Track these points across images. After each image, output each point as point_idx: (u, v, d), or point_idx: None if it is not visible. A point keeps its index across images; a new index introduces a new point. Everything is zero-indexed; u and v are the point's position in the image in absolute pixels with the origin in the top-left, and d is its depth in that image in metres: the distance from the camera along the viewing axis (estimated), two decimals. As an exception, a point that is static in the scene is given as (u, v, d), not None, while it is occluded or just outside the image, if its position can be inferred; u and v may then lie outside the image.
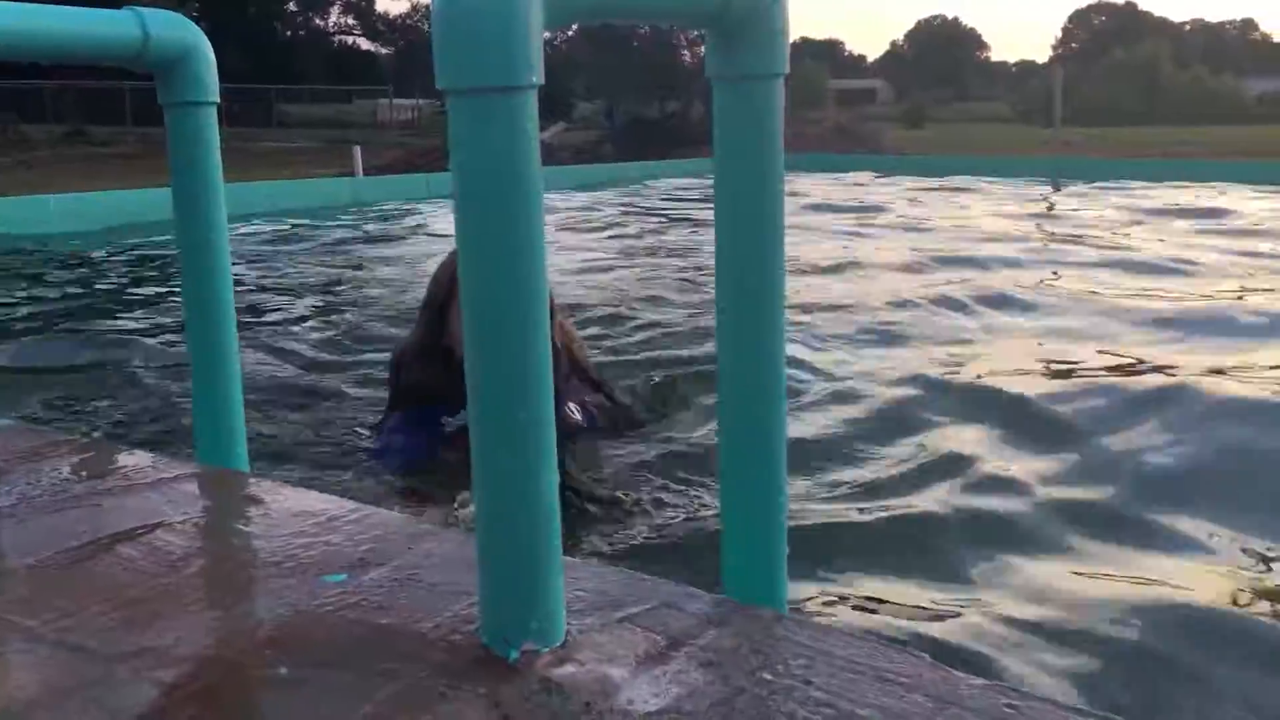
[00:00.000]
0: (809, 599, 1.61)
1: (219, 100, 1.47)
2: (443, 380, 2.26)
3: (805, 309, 4.24)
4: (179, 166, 1.44)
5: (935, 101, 53.12)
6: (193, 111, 1.44)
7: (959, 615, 1.60)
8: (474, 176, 0.80)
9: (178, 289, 5.26)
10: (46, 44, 1.31)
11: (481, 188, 0.80)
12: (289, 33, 41.26)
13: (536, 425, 0.84)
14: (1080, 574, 1.79)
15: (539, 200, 0.81)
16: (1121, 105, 40.90)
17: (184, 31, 1.42)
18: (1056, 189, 12.04)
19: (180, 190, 1.45)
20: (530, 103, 0.80)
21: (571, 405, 2.42)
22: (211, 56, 1.45)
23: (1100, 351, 3.52)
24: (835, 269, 5.58)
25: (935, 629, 1.54)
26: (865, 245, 6.82)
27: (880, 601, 1.64)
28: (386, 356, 3.67)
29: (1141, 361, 3.37)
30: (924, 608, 1.62)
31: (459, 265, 0.82)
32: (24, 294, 5.30)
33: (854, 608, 1.60)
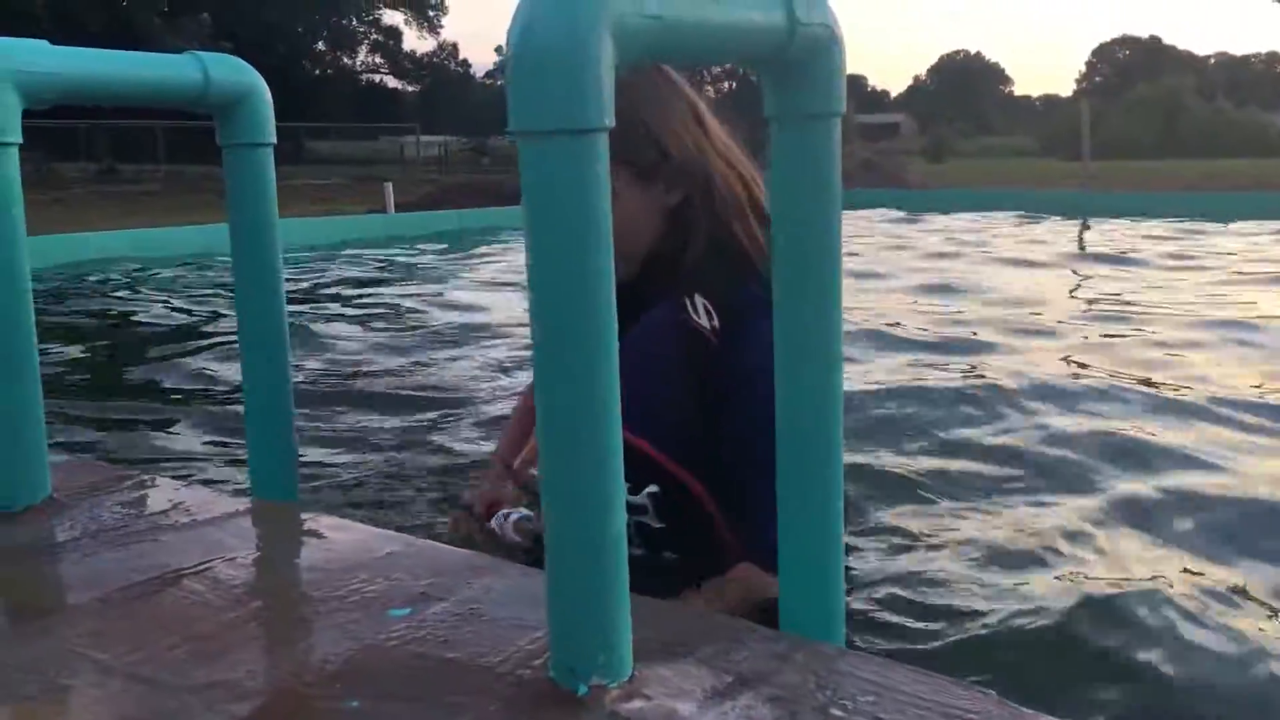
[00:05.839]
0: (866, 634, 1.60)
1: (275, 141, 1.50)
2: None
3: (848, 343, 4.23)
4: (236, 205, 1.47)
5: (958, 135, 53.22)
6: (250, 152, 1.47)
7: (1023, 652, 1.59)
8: (545, 218, 0.81)
9: (222, 325, 5.36)
10: (114, 88, 1.35)
11: (553, 228, 0.81)
12: (318, 71, 41.83)
13: (605, 460, 0.85)
14: (1159, 615, 1.76)
15: (609, 240, 0.83)
16: (1145, 139, 40.83)
17: (242, 75, 1.45)
18: (1086, 224, 11.99)
19: (237, 228, 1.48)
20: (602, 144, 0.81)
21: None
22: (269, 99, 1.48)
23: (1146, 389, 3.50)
24: (871, 308, 5.57)
25: (998, 666, 1.53)
26: (894, 283, 6.81)
27: (939, 637, 1.63)
28: (428, 392, 3.70)
29: (1187, 393, 3.35)
30: (985, 644, 1.61)
31: (530, 303, 0.83)
32: (72, 331, 5.37)
33: (912, 643, 1.59)
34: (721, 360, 1.50)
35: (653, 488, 1.55)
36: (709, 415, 1.51)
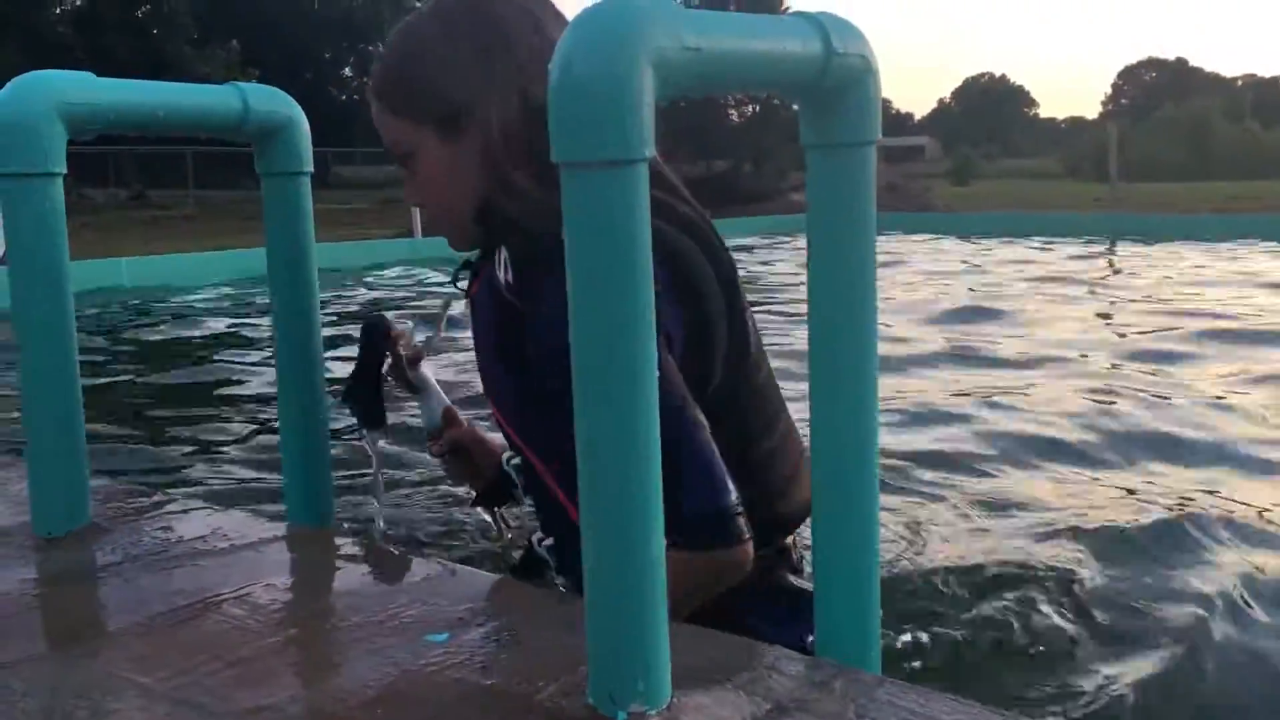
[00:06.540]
0: (898, 660, 1.59)
1: (312, 170, 1.53)
2: None
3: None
4: (274, 232, 1.49)
5: (983, 157, 53.15)
6: (288, 180, 1.50)
7: (1059, 680, 1.57)
8: (588, 246, 0.83)
9: (257, 351, 5.38)
10: (155, 118, 1.38)
11: (595, 257, 0.82)
12: (344, 97, 42.21)
13: (643, 486, 0.85)
14: (1193, 631, 1.75)
15: (649, 269, 0.83)
16: (1173, 161, 40.57)
17: (281, 105, 1.48)
18: (1114, 247, 11.92)
19: (275, 254, 1.50)
20: (643, 175, 0.82)
21: None
22: (306, 129, 1.51)
23: (1180, 418, 3.47)
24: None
25: (1033, 694, 1.51)
26: (919, 305, 6.80)
27: (971, 663, 1.62)
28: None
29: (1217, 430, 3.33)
30: (1020, 672, 1.60)
31: (571, 329, 0.84)
32: (108, 357, 5.41)
33: (945, 670, 1.58)
34: (522, 318, 1.33)
35: (516, 459, 1.51)
36: (524, 381, 1.35)
